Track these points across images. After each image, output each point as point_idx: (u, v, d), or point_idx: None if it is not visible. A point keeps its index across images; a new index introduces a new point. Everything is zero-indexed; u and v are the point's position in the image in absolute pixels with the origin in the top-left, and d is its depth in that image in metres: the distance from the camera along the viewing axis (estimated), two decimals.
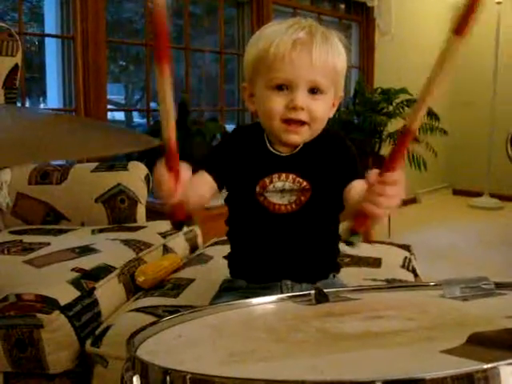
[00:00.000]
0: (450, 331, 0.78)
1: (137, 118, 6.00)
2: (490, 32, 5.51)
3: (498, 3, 5.37)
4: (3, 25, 2.28)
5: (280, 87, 1.15)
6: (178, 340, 0.78)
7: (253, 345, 0.73)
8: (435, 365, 0.63)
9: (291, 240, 1.22)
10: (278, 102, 1.15)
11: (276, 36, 1.15)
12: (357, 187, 1.09)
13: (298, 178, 1.20)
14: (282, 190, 1.20)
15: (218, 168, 1.21)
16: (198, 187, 1.13)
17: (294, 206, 1.20)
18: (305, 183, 1.20)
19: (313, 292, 0.96)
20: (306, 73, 1.13)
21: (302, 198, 1.20)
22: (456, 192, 6.28)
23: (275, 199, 1.20)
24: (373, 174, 0.88)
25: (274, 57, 1.14)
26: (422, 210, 5.53)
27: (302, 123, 1.16)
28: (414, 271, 1.76)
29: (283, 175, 1.20)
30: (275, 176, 1.20)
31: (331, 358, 0.68)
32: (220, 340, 0.79)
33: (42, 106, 4.51)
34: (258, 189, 1.21)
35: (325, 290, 0.97)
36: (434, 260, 3.58)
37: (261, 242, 1.24)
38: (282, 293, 1.18)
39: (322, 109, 1.17)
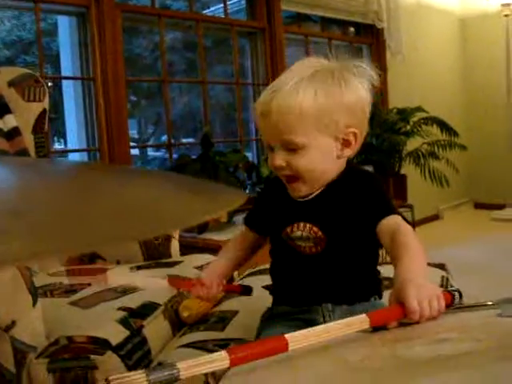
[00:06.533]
0: None
1: (151, 152, 6.07)
2: (499, 45, 5.54)
3: (506, 16, 5.40)
4: (29, 71, 2.31)
5: (269, 146, 1.21)
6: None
7: (329, 376, 0.74)
8: None
9: (324, 274, 1.24)
10: (269, 160, 1.22)
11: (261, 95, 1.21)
12: (384, 230, 1.13)
13: (313, 228, 1.22)
14: (300, 238, 1.24)
15: (257, 223, 1.39)
16: (234, 249, 1.43)
17: (313, 249, 1.24)
18: (320, 233, 1.22)
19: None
20: (273, 135, 1.18)
21: (319, 247, 1.23)
22: (478, 206, 6.26)
23: (300, 243, 1.24)
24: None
25: (256, 121, 1.24)
26: (446, 226, 5.51)
27: (295, 178, 1.20)
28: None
29: (301, 225, 1.23)
30: (295, 225, 1.24)
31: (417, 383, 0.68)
32: (296, 373, 0.79)
33: (60, 146, 4.57)
34: (283, 235, 1.26)
35: None
36: (462, 276, 3.51)
37: (298, 275, 1.28)
38: (323, 315, 1.23)
39: (306, 162, 1.17)
